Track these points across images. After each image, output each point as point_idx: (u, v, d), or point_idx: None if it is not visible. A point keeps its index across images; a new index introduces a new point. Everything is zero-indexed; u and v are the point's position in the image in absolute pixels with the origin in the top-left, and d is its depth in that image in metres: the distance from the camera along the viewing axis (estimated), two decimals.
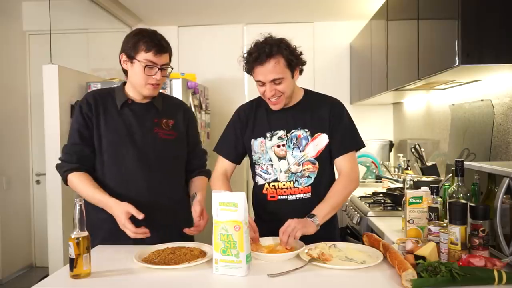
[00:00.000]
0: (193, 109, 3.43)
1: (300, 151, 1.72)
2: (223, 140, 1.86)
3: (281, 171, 1.73)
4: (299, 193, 1.72)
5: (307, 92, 1.83)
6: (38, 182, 4.31)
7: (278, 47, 1.61)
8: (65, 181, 1.75)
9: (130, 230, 1.57)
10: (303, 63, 1.71)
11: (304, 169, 1.72)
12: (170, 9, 3.98)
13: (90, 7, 3.89)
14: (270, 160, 1.74)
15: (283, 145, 1.73)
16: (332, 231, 1.80)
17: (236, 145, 1.82)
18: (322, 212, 1.60)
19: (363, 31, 3.76)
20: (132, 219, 1.62)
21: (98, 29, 4.43)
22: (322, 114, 1.74)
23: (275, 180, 1.74)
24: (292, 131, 1.74)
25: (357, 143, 1.77)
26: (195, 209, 1.70)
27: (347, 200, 2.66)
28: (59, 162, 1.77)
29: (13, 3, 4.19)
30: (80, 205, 1.33)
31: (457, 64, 1.73)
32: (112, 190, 1.70)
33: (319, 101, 1.79)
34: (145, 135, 1.75)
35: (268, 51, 1.59)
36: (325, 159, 1.74)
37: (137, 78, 1.70)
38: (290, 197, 1.73)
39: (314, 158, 1.72)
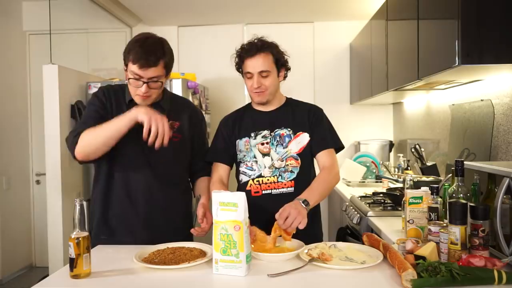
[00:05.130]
0: None
1: (284, 148, 1.81)
2: (213, 147, 1.92)
3: (265, 167, 1.81)
4: (283, 187, 1.79)
5: (289, 99, 1.95)
6: (38, 182, 4.31)
7: (269, 45, 1.79)
8: (73, 150, 1.63)
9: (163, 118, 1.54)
10: (288, 67, 1.86)
11: (288, 164, 1.80)
12: (170, 9, 3.98)
13: (90, 7, 3.89)
14: (255, 157, 1.83)
15: (267, 143, 1.83)
16: (319, 227, 1.92)
17: (226, 147, 1.89)
18: (313, 200, 1.65)
19: (363, 31, 3.76)
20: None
21: (98, 29, 4.43)
22: (302, 116, 1.86)
23: (260, 176, 1.81)
24: (276, 130, 1.84)
25: (336, 142, 1.87)
26: (198, 212, 1.71)
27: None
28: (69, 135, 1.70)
29: (13, 3, 4.19)
30: (81, 205, 1.33)
31: (457, 64, 1.73)
32: (117, 185, 1.74)
33: (300, 105, 1.92)
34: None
35: (259, 45, 1.77)
36: (307, 156, 1.83)
37: (129, 86, 1.70)
38: (274, 191, 1.79)
39: (297, 154, 1.81)
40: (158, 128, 1.53)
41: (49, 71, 3.19)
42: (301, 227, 1.51)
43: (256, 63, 1.75)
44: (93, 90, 3.46)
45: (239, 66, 1.83)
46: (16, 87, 4.19)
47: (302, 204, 1.58)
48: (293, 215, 1.51)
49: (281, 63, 1.81)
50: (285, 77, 1.88)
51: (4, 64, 4.04)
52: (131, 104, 1.76)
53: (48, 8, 3.52)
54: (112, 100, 1.76)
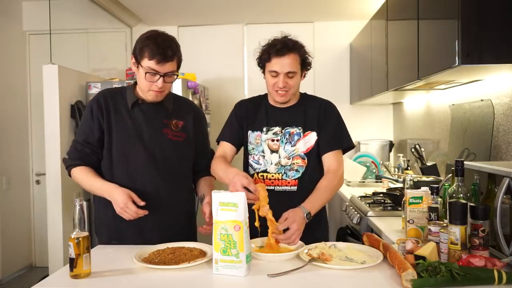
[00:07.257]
0: None
1: (292, 146, 1.80)
2: (224, 128, 1.91)
3: (271, 163, 1.80)
4: (286, 185, 1.79)
5: (303, 94, 1.92)
6: (38, 182, 4.31)
7: (299, 45, 1.75)
8: (69, 175, 1.81)
9: (131, 210, 1.59)
10: (309, 68, 1.82)
11: (294, 163, 1.79)
12: (170, 9, 3.98)
13: (90, 7, 3.89)
14: (263, 152, 1.82)
15: (277, 140, 1.81)
16: (326, 231, 1.90)
17: (237, 130, 1.87)
18: (314, 211, 1.64)
19: (363, 31, 3.76)
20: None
21: (98, 29, 4.43)
22: (312, 112, 1.84)
23: (265, 171, 1.81)
24: (287, 128, 1.82)
25: (343, 143, 1.85)
26: (205, 211, 1.71)
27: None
28: (66, 156, 1.81)
29: (13, 3, 4.19)
30: (81, 205, 1.33)
31: (457, 64, 1.73)
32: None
33: (312, 101, 1.89)
34: (153, 135, 1.76)
35: (290, 46, 1.72)
36: (314, 156, 1.82)
37: (141, 83, 1.71)
38: (277, 188, 1.79)
39: (304, 154, 1.80)
40: (128, 215, 1.62)
41: (49, 71, 3.19)
42: (290, 245, 1.53)
43: (284, 63, 1.71)
44: (93, 90, 3.46)
45: (262, 62, 1.79)
46: (16, 87, 4.19)
47: (305, 218, 1.57)
48: (293, 229, 1.51)
49: (306, 64, 1.78)
50: (304, 76, 1.83)
51: (4, 64, 4.03)
52: (134, 107, 1.77)
53: (48, 8, 3.52)
54: (109, 108, 1.77)
